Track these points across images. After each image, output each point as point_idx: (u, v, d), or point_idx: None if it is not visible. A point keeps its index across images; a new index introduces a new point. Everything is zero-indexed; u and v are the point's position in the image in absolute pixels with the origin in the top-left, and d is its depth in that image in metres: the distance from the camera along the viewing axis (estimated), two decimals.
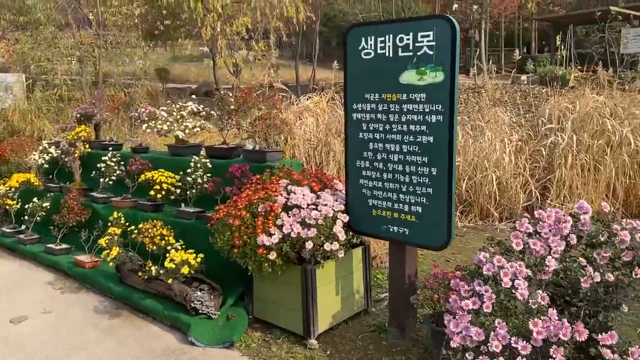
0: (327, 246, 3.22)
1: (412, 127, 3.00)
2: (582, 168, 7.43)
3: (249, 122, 4.22)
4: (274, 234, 3.23)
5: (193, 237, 4.05)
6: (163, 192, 4.43)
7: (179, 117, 4.77)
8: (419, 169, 3.01)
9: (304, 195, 3.38)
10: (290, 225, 3.22)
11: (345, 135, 3.36)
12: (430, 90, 2.90)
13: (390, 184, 3.16)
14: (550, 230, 2.92)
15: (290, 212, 3.32)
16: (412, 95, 2.98)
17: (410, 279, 3.28)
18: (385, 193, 3.20)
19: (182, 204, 4.41)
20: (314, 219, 3.23)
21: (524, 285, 2.65)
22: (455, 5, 24.50)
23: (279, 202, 3.36)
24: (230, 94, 4.50)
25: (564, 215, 2.98)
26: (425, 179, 3.00)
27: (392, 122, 3.09)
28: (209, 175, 4.29)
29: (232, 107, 4.39)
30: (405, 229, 3.14)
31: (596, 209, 7.80)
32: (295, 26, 16.47)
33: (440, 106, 2.88)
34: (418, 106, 2.96)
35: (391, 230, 3.21)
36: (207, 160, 4.33)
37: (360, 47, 3.18)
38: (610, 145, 7.50)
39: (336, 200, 3.43)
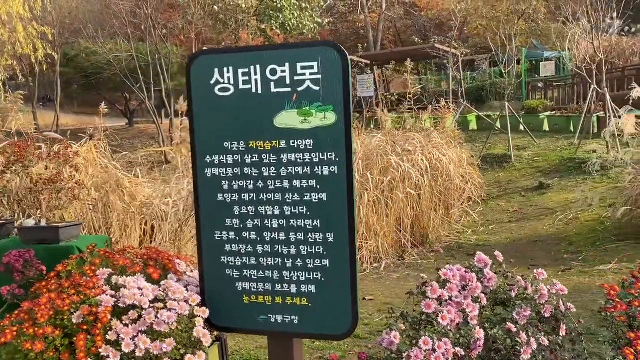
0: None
1: (296, 182, 2.30)
2: (375, 204, 7.59)
3: (29, 188, 2.95)
4: (108, 356, 2.14)
5: None
6: None
7: None
8: (310, 235, 2.31)
9: (141, 289, 2.36)
10: (133, 339, 2.18)
11: (195, 199, 2.47)
12: (318, 136, 2.25)
13: (269, 258, 2.38)
14: (460, 292, 2.50)
15: (125, 318, 2.27)
16: (293, 142, 2.28)
17: None
18: (261, 272, 2.40)
19: None
20: (166, 323, 2.25)
21: None
22: None
23: (105, 305, 2.28)
24: None
25: (466, 272, 2.60)
26: (319, 248, 2.31)
27: (266, 178, 2.34)
28: None
29: None
30: (294, 317, 2.38)
31: (390, 243, 7.97)
32: (34, 65, 14.17)
33: (333, 155, 2.25)
34: (303, 155, 2.28)
35: (273, 320, 2.41)
36: None
37: (212, 81, 2.37)
38: (397, 181, 7.84)
39: (187, 289, 2.48)
